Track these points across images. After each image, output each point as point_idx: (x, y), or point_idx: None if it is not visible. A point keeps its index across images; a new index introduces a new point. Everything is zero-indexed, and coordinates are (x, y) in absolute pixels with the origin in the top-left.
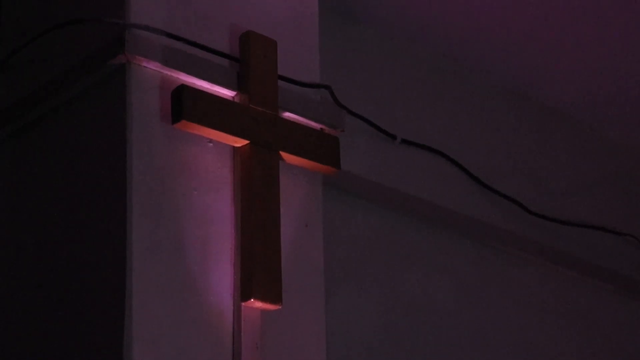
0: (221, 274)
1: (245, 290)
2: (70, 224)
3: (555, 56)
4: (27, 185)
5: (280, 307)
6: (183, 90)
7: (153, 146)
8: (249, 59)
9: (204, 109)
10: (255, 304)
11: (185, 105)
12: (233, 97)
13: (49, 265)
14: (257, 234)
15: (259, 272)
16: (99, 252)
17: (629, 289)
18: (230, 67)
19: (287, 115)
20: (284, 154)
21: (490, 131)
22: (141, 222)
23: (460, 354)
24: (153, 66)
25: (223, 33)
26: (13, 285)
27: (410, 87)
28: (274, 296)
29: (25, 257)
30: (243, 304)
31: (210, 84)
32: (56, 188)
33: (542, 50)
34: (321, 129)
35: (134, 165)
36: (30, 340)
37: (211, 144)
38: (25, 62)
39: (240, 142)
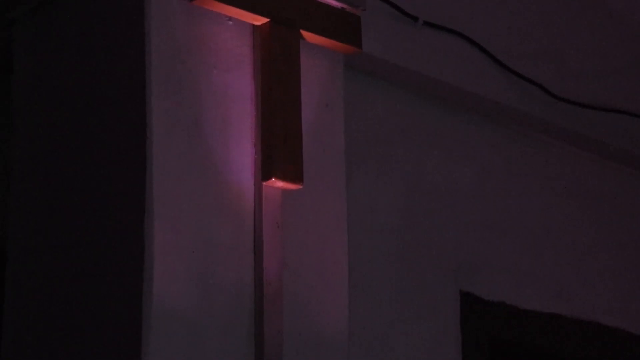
0: (242, 153)
1: (266, 170)
2: (88, 103)
3: None
4: (45, 63)
5: (301, 187)
6: None
7: (172, 23)
8: None
9: None
10: (276, 183)
11: None
12: None
13: (67, 141)
14: (278, 113)
15: (279, 151)
16: (118, 130)
17: None
18: None
19: None
20: (304, 33)
21: (513, 13)
22: (161, 101)
23: (480, 237)
24: None
25: None
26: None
27: None
28: (294, 175)
29: (44, 137)
30: (264, 183)
31: None
32: (74, 65)
33: None
34: (342, 7)
35: (152, 42)
36: (54, 221)
37: (231, 22)
38: None
39: (260, 20)
